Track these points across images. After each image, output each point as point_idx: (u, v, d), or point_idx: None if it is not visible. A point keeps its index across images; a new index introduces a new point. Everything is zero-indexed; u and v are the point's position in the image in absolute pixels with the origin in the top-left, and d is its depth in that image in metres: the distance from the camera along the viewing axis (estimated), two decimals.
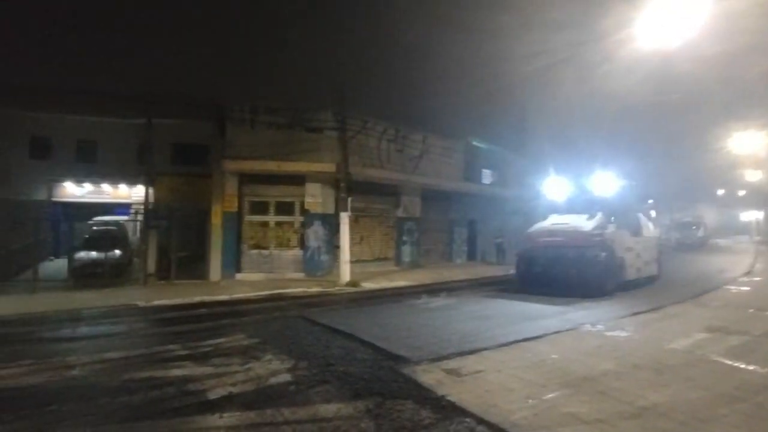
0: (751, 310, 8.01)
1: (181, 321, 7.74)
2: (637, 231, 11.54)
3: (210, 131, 14.29)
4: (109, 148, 18.05)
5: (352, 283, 11.87)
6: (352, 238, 13.20)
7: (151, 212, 13.29)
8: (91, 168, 17.66)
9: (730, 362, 4.90)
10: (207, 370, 4.78)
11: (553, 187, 11.97)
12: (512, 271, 15.80)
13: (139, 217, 13.69)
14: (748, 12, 8.66)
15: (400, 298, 10.06)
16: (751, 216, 59.23)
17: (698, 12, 8.51)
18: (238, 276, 13.28)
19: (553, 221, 11.17)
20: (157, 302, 9.55)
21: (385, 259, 16.32)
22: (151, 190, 13.74)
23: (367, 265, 15.37)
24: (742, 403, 3.75)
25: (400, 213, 16.64)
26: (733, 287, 11.28)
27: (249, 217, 13.87)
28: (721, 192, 48.16)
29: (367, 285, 12.03)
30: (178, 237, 13.49)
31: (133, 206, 16.07)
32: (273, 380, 4.45)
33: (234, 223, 13.50)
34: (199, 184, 14.52)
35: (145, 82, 13.06)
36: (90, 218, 15.57)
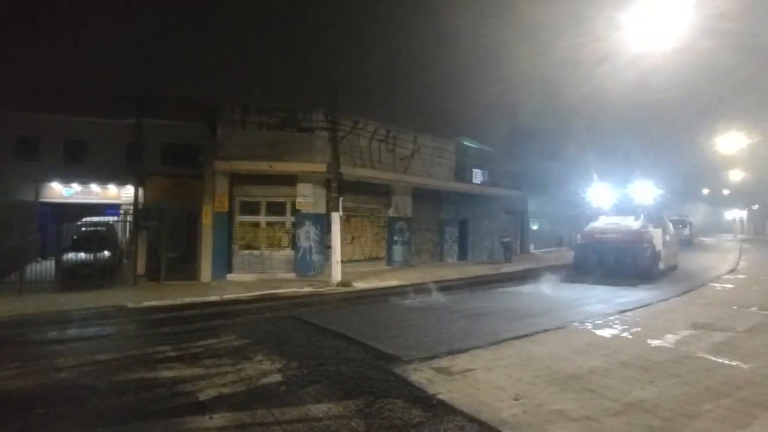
0: (735, 308, 8.16)
1: (172, 322, 7.70)
2: (666, 230, 13.56)
3: (201, 132, 14.22)
4: (99, 148, 17.88)
5: (344, 283, 11.88)
6: (343, 238, 13.21)
7: (140, 213, 13.18)
8: (79, 168, 17.47)
9: (714, 358, 4.99)
10: (198, 371, 4.77)
11: (598, 194, 15.00)
12: (503, 269, 16.09)
13: (129, 218, 13.56)
14: (728, 16, 8.83)
15: (392, 297, 10.08)
16: (734, 215, 60.55)
17: (682, 17, 8.66)
18: (229, 277, 13.22)
19: (604, 222, 13.57)
20: (146, 303, 9.48)
21: (377, 258, 16.35)
22: (140, 191, 13.62)
23: (359, 264, 15.39)
24: (726, 399, 3.83)
25: (391, 213, 16.67)
26: (718, 285, 11.47)
27: (240, 218, 13.82)
28: (706, 191, 48.91)
29: (359, 285, 12.04)
30: (169, 238, 13.39)
31: (123, 207, 15.91)
32: (264, 380, 4.45)
33: (225, 224, 13.44)
34: (189, 185, 14.42)
35: (136, 82, 12.97)
36: (78, 219, 15.37)
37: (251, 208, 13.95)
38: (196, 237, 13.69)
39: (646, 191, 14.16)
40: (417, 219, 17.70)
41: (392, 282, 12.68)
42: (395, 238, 16.76)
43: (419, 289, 11.07)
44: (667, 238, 13.45)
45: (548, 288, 10.84)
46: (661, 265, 12.57)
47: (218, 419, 3.53)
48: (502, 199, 21.74)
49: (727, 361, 4.88)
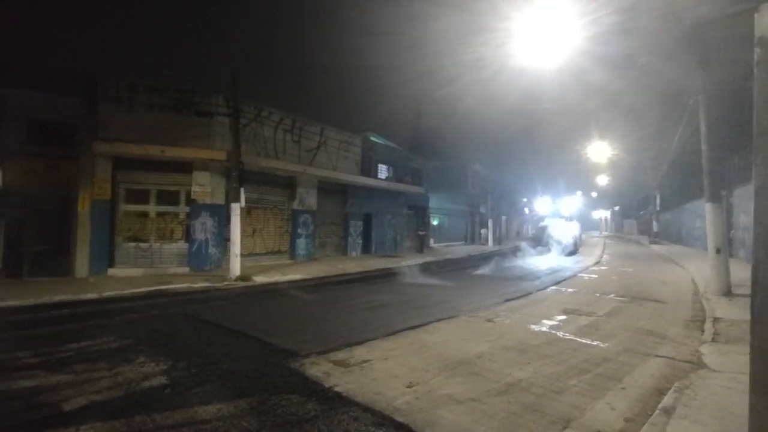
0: (598, 295, 9.39)
1: (35, 324, 6.71)
2: (579, 228, 25.05)
3: (78, 108, 12.51)
4: None
5: (243, 278, 11.36)
6: (244, 231, 12.61)
7: None
8: None
9: (579, 340, 5.69)
10: (64, 378, 4.21)
11: (541, 204, 30.08)
12: (404, 263, 16.64)
13: None
14: (601, 39, 10.02)
15: (293, 291, 9.91)
16: (600, 214, 70.24)
17: (565, 36, 9.65)
18: (111, 272, 11.91)
19: (548, 222, 24.79)
20: (2, 304, 8.15)
21: (279, 252, 15.90)
22: None
23: (260, 258, 14.84)
24: (587, 374, 4.39)
25: (295, 205, 16.29)
26: (585, 275, 13.10)
27: (125, 207, 12.48)
28: (579, 192, 55.67)
29: (259, 279, 11.61)
30: (35, 228, 11.65)
31: None
32: (146, 384, 4.08)
33: (106, 213, 12.04)
34: (63, 168, 12.62)
35: None
36: None
37: (139, 197, 12.67)
38: (70, 228, 12.07)
39: (572, 203, 25.70)
40: (322, 212, 17.55)
41: (295, 276, 12.42)
42: (299, 231, 16.44)
43: (321, 282, 11.01)
44: (579, 232, 25.32)
45: (443, 280, 11.48)
46: (579, 247, 23.98)
47: (86, 431, 3.15)
48: (405, 195, 22.46)
49: (589, 342, 5.59)
